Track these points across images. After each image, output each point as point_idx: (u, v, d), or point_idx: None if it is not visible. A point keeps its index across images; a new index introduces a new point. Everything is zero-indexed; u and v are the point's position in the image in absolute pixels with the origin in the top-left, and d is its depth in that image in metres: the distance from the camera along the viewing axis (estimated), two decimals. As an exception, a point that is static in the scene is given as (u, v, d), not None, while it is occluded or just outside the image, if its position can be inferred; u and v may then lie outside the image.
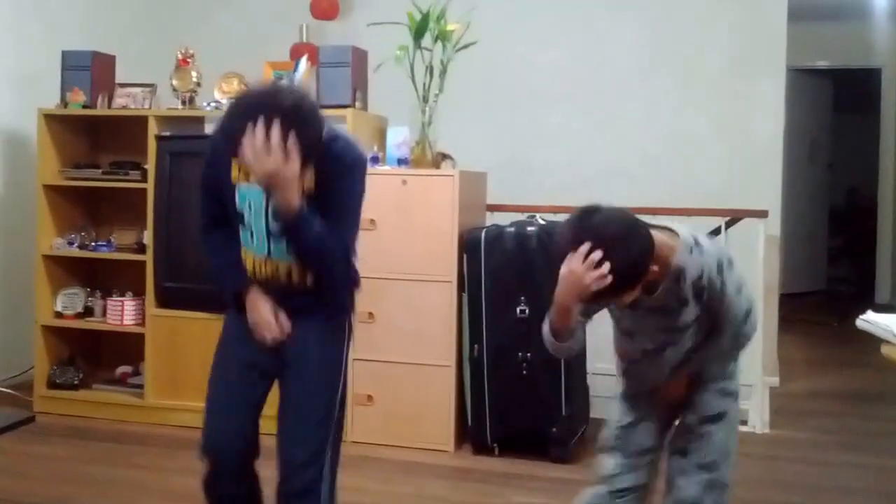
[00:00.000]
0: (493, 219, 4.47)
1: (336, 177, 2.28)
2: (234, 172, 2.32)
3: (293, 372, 2.39)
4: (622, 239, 2.04)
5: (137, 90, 4.56)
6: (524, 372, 3.95)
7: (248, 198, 2.30)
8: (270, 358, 2.39)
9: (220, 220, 2.41)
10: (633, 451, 2.38)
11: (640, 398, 2.41)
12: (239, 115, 2.15)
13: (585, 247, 2.01)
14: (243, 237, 2.35)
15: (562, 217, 4.14)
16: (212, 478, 2.43)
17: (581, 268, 2.01)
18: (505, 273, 3.98)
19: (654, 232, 2.11)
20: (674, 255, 2.14)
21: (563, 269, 2.05)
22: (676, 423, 2.41)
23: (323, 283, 2.36)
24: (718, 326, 2.25)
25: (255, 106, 2.13)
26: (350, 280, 2.45)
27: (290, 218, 2.19)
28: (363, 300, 4.08)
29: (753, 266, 4.50)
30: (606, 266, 1.99)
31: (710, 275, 2.16)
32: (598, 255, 1.99)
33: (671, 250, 2.14)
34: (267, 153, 2.09)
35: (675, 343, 2.27)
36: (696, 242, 2.16)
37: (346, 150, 2.32)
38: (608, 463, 2.40)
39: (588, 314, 2.29)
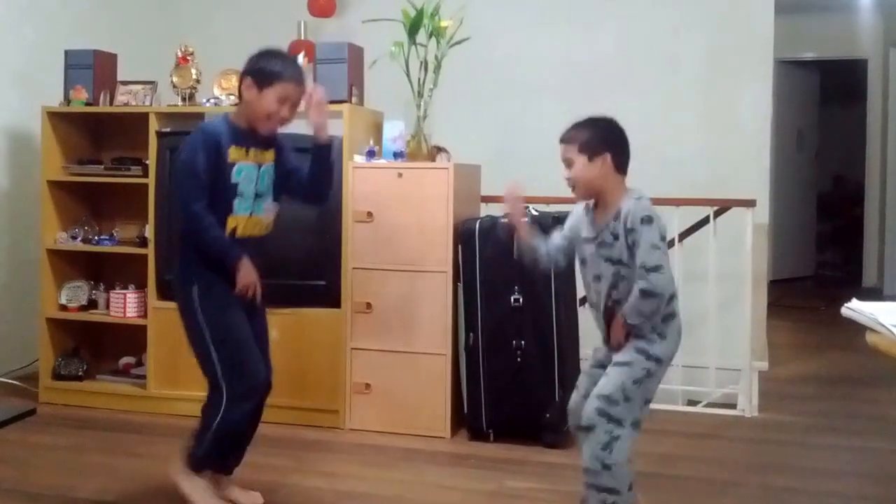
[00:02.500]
0: (487, 210, 4.53)
1: (289, 148, 3.28)
2: (233, 155, 3.06)
3: (259, 311, 3.23)
4: (591, 120, 3.00)
5: (138, 87, 4.62)
6: (518, 359, 4.01)
7: (244, 170, 3.08)
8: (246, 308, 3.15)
9: (205, 201, 3.02)
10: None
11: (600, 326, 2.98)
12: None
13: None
14: (236, 205, 3.07)
15: (554, 208, 4.28)
16: (250, 406, 3.12)
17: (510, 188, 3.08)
18: (499, 263, 4.02)
19: (622, 186, 2.89)
20: (623, 200, 2.84)
21: None
22: None
23: (324, 190, 3.33)
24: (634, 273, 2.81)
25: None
26: None
27: (328, 140, 3.20)
28: (360, 290, 4.19)
29: (742, 254, 4.59)
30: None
31: (634, 221, 2.78)
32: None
33: (623, 196, 2.85)
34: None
35: (607, 274, 2.86)
36: (641, 197, 2.84)
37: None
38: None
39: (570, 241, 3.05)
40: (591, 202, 2.96)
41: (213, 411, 3.11)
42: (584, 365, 3.04)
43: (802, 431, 4.37)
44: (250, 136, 3.11)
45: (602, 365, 2.94)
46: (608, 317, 2.89)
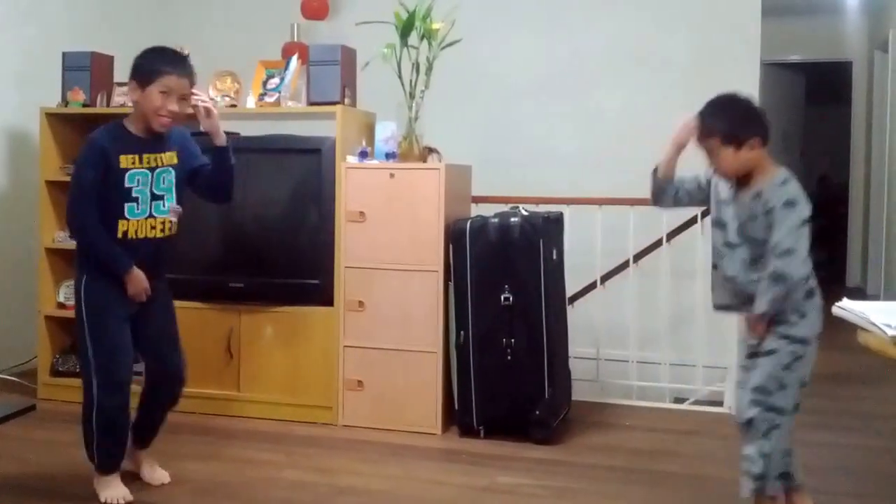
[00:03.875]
0: (477, 210, 4.57)
1: (193, 147, 3.39)
2: (124, 162, 3.16)
3: (158, 312, 3.34)
4: (724, 105, 2.85)
5: (135, 89, 4.68)
6: (508, 357, 4.06)
7: (137, 176, 3.17)
8: (131, 311, 3.26)
9: (94, 211, 3.14)
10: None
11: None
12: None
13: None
14: (129, 209, 3.17)
15: (543, 208, 4.35)
16: (120, 401, 3.21)
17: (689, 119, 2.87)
18: (489, 262, 4.08)
19: (768, 161, 2.83)
20: (765, 181, 2.80)
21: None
22: None
23: (225, 190, 3.43)
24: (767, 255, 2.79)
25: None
26: None
27: (224, 140, 3.34)
28: (353, 289, 4.26)
29: (727, 254, 4.67)
30: (698, 122, 2.84)
31: (776, 203, 2.75)
32: (696, 119, 2.85)
33: (767, 175, 2.81)
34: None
35: (744, 250, 2.84)
36: (786, 180, 2.79)
37: (179, 129, 3.36)
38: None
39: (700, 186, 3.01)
40: None
41: (89, 411, 3.23)
42: (740, 360, 3.05)
43: (787, 428, 4.42)
44: (143, 141, 3.21)
45: (753, 354, 2.92)
46: (744, 298, 2.86)
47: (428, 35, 4.23)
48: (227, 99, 4.55)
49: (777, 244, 2.76)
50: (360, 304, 4.25)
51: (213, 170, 3.37)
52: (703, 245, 4.71)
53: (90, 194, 3.15)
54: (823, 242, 10.80)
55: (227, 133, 4.60)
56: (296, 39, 5.42)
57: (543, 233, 4.09)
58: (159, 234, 3.26)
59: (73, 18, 5.44)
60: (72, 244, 4.67)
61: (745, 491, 2.89)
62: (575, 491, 3.52)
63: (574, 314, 4.75)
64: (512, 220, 4.11)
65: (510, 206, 4.32)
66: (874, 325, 2.35)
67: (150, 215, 3.22)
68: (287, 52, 5.07)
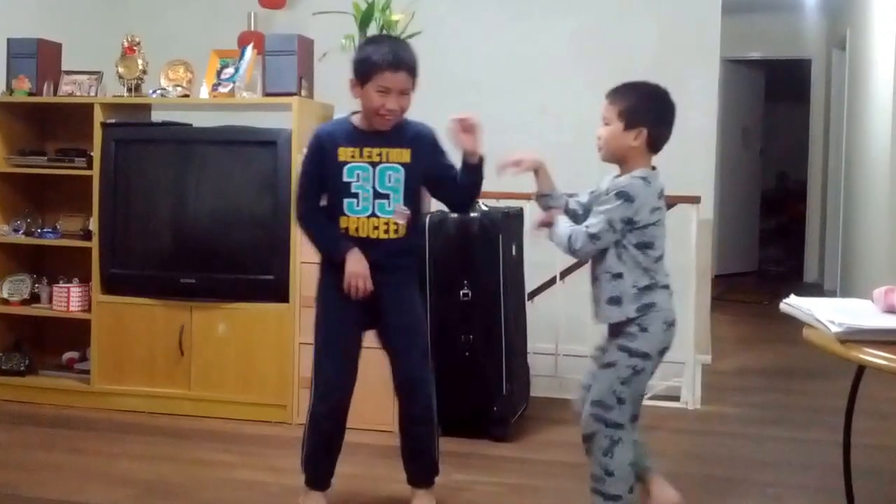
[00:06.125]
0: (437, 205, 4.54)
1: (437, 153, 3.14)
2: (343, 155, 3.00)
3: (396, 313, 3.10)
4: (640, 87, 2.82)
5: (83, 77, 4.55)
6: (466, 353, 4.03)
7: (357, 170, 3.00)
8: (364, 312, 3.06)
9: (314, 201, 3.07)
10: None
11: None
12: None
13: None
14: (348, 205, 3.00)
15: (503, 203, 4.30)
16: (324, 409, 3.10)
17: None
18: (448, 257, 4.05)
19: (645, 161, 2.79)
20: (630, 175, 2.74)
21: None
22: None
23: (467, 205, 3.39)
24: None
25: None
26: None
27: (479, 159, 3.06)
28: (309, 285, 4.17)
29: (686, 249, 4.66)
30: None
31: (610, 191, 2.74)
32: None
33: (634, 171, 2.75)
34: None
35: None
36: (644, 177, 2.73)
37: (423, 127, 3.17)
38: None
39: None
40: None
41: (308, 418, 3.14)
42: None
43: (743, 423, 4.45)
44: (367, 135, 3.02)
45: (601, 352, 2.87)
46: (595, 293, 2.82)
47: (387, 26, 4.20)
48: (180, 89, 4.46)
49: (589, 225, 2.71)
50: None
51: (461, 182, 3.09)
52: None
53: (308, 185, 3.08)
54: (782, 239, 10.95)
55: (181, 124, 4.57)
56: (252, 28, 5.33)
57: (503, 228, 4.07)
58: (383, 236, 3.02)
59: (19, 4, 5.28)
60: (16, 238, 4.61)
61: None
62: (533, 488, 3.51)
63: (533, 310, 4.72)
64: (471, 214, 4.08)
65: (469, 200, 4.27)
66: (819, 321, 2.36)
67: (374, 214, 3.01)
68: (243, 42, 4.97)
